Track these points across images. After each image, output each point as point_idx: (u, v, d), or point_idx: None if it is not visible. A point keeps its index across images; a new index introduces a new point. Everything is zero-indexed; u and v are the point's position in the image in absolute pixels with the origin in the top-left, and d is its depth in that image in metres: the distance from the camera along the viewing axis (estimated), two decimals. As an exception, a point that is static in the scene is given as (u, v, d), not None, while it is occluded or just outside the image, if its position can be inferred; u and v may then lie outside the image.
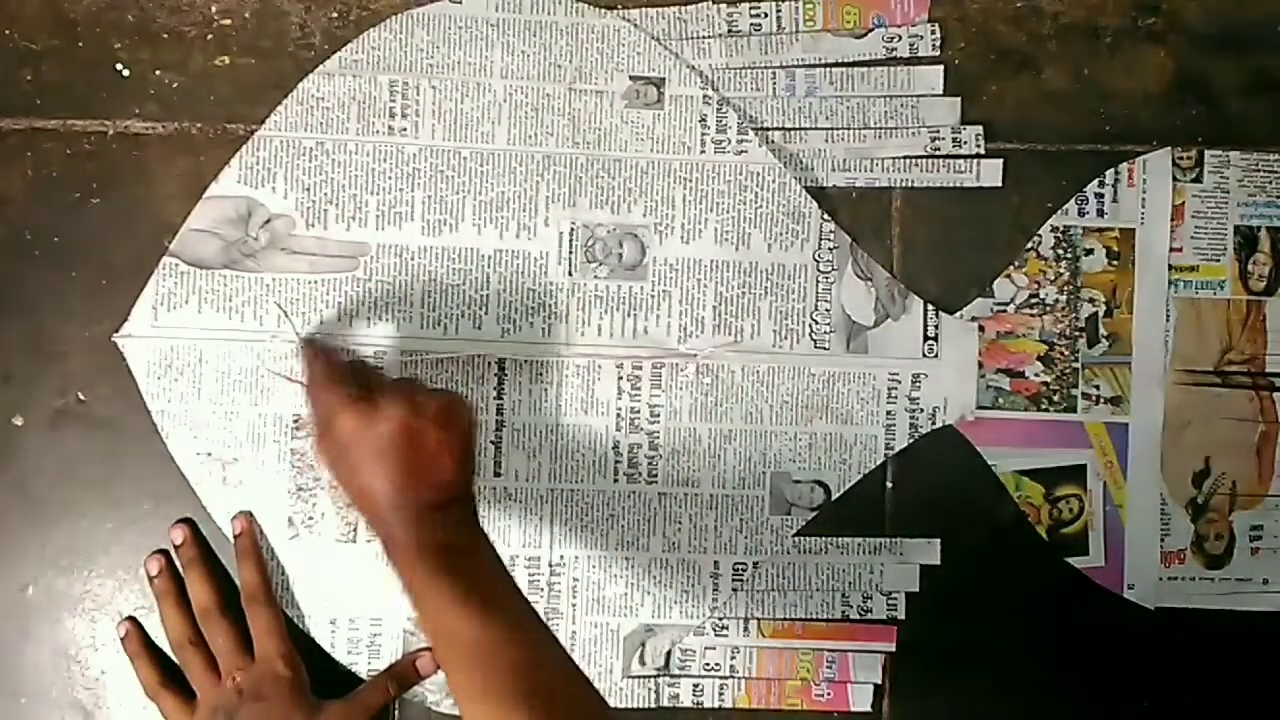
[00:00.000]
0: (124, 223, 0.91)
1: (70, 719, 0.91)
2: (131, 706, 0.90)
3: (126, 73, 0.91)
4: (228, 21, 0.92)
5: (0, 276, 0.91)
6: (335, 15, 0.92)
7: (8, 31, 0.91)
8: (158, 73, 0.91)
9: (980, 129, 0.93)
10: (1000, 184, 0.93)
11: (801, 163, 0.93)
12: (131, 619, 0.90)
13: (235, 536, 0.90)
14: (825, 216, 0.93)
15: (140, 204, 0.91)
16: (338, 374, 0.82)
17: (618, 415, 0.92)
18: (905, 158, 0.93)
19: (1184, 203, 0.94)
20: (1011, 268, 0.94)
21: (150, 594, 0.90)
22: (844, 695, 0.93)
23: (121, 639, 0.90)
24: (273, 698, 0.85)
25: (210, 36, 0.92)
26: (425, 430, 0.77)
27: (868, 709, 0.93)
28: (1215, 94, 0.95)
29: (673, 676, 0.93)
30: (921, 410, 0.93)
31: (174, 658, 0.89)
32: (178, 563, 0.90)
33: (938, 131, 0.93)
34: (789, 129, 0.93)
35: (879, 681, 0.93)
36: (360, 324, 0.91)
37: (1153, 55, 0.95)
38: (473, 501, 0.80)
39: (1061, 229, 0.94)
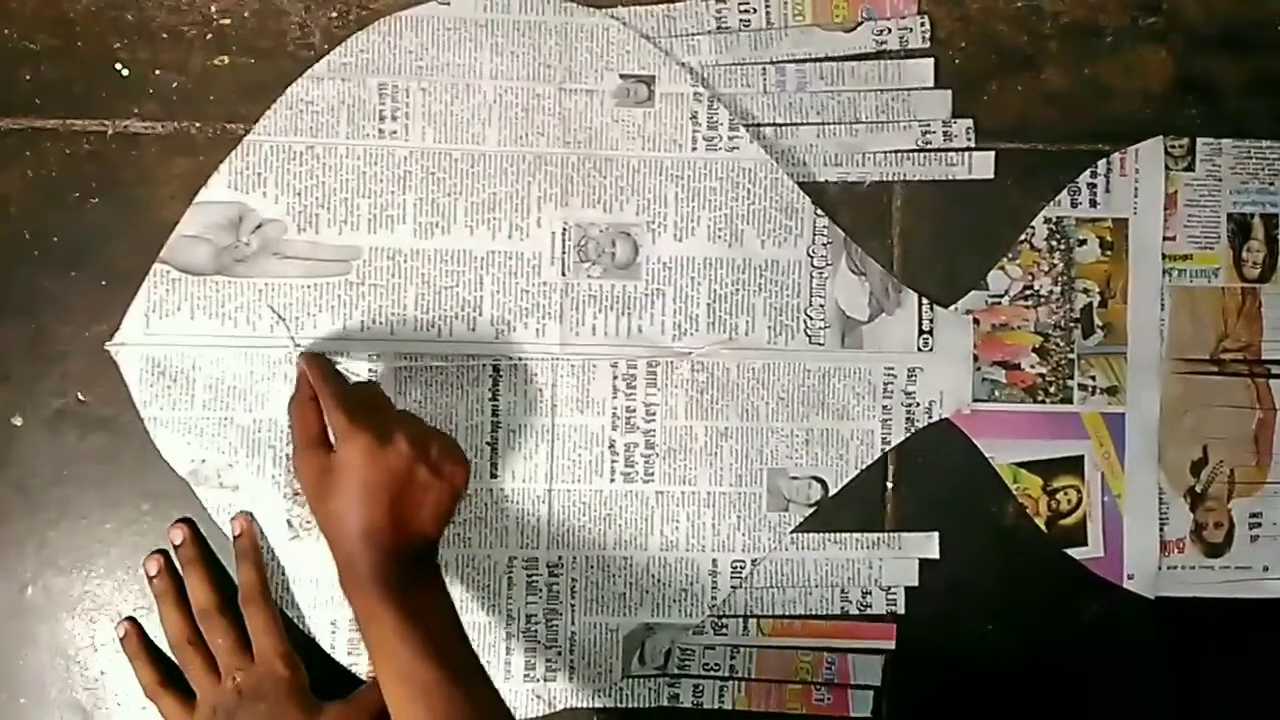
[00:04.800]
0: (123, 223, 0.91)
1: (69, 720, 0.92)
2: (131, 707, 0.91)
3: (126, 72, 0.92)
4: (227, 21, 0.92)
5: (-1, 276, 0.92)
6: (335, 15, 0.92)
7: (7, 31, 0.91)
8: (157, 72, 0.92)
9: (970, 122, 0.93)
10: (992, 176, 0.93)
11: (794, 158, 0.93)
12: (131, 619, 0.91)
13: (235, 537, 0.90)
14: (819, 212, 0.92)
15: (140, 204, 0.91)
16: (347, 394, 0.83)
17: (613, 414, 0.92)
18: (897, 152, 0.93)
19: (1177, 191, 0.94)
20: (1005, 260, 0.93)
21: (149, 594, 0.90)
22: (844, 700, 0.93)
23: (120, 639, 0.90)
24: (272, 698, 0.85)
25: (210, 36, 0.92)
26: (424, 476, 0.80)
27: (867, 715, 0.93)
28: (1216, 93, 0.95)
29: (672, 677, 0.92)
30: (917, 404, 0.93)
31: (173, 658, 0.89)
32: (177, 563, 0.90)
33: (929, 125, 0.93)
34: (780, 125, 0.93)
35: (878, 684, 0.93)
36: (353, 328, 0.91)
37: (1153, 55, 0.95)
38: (438, 550, 0.82)
39: (1054, 220, 0.93)
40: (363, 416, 0.80)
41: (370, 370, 0.90)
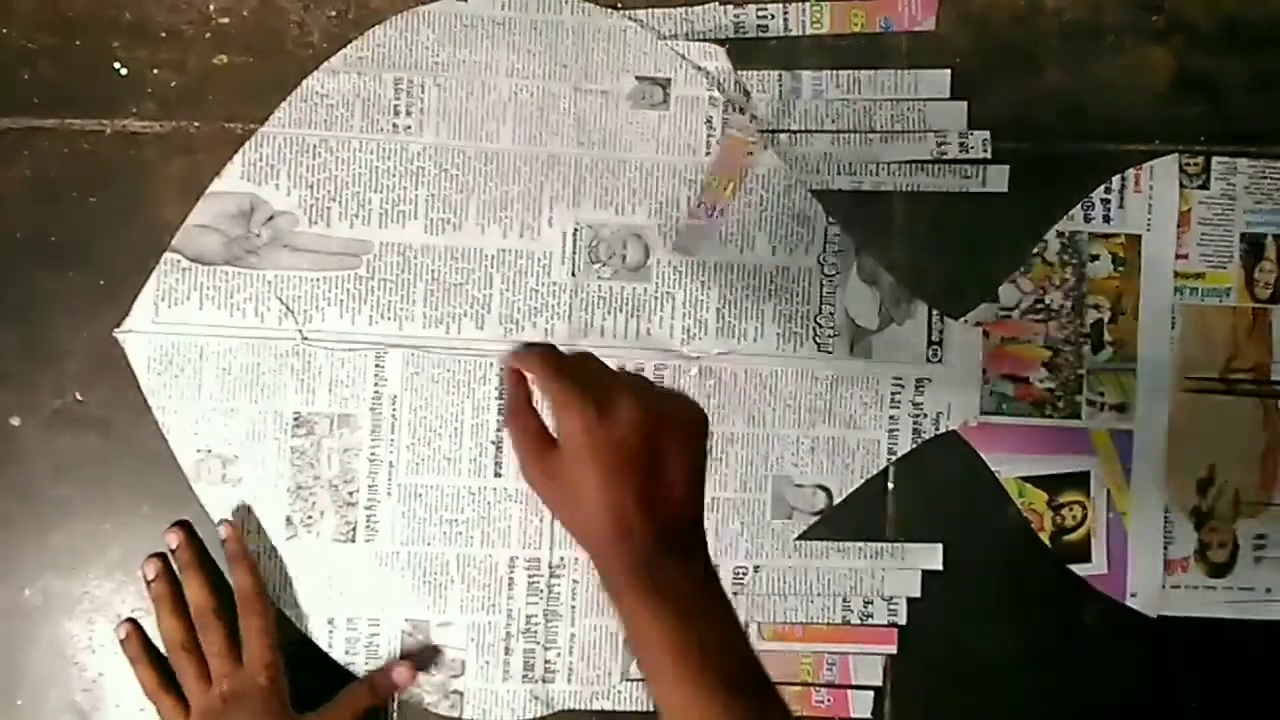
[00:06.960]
0: (122, 222, 0.90)
1: (67, 721, 0.91)
2: (129, 709, 0.90)
3: (124, 71, 0.91)
4: (226, 20, 0.91)
5: (-3, 277, 0.91)
6: (334, 13, 0.91)
7: (5, 30, 0.91)
8: (155, 71, 0.91)
9: (988, 134, 0.93)
10: (1006, 189, 0.93)
11: (807, 166, 0.93)
12: (131, 620, 0.90)
13: (222, 542, 0.89)
14: (830, 220, 0.92)
15: (138, 203, 0.90)
16: (561, 365, 0.71)
17: (620, 416, 0.92)
18: (911, 162, 0.93)
19: (1190, 209, 0.94)
20: (1017, 273, 0.93)
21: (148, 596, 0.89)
22: (844, 701, 0.93)
23: (121, 641, 0.89)
24: (248, 707, 0.85)
25: (208, 35, 0.91)
26: (660, 439, 0.68)
27: (868, 716, 0.93)
28: (1218, 92, 0.95)
29: (672, 680, 0.92)
30: (925, 415, 0.93)
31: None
32: (174, 566, 0.89)
33: (944, 136, 0.93)
34: (795, 132, 0.93)
35: (879, 684, 0.93)
36: (362, 322, 0.90)
37: (1156, 54, 0.94)
38: (702, 528, 0.70)
39: (1067, 234, 0.93)
40: (581, 383, 0.68)
41: None
